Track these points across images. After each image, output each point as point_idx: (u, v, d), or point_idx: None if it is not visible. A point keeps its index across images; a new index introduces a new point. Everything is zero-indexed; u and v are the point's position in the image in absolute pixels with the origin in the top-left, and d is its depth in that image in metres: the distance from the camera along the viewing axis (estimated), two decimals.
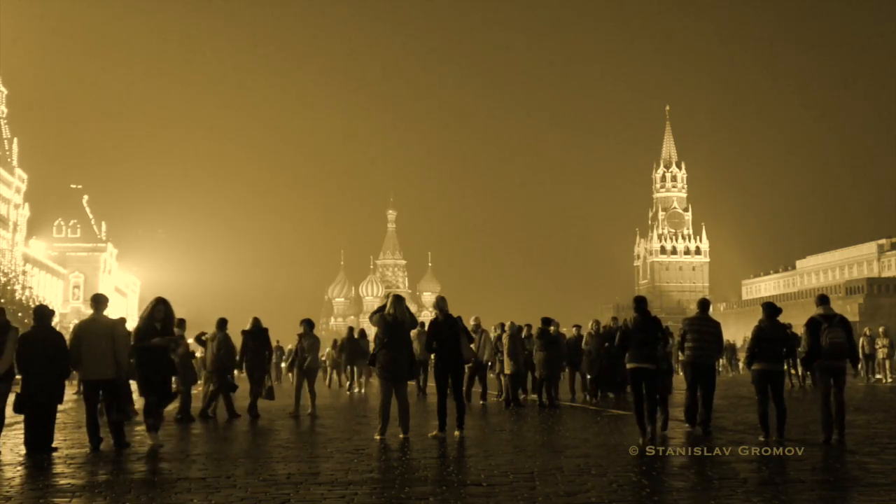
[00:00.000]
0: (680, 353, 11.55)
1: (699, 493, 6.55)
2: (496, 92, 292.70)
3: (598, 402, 16.56)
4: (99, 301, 9.84)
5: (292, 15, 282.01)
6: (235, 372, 14.95)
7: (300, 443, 10.53)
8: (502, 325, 16.93)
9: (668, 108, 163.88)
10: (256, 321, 14.84)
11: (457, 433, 10.44)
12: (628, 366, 10.27)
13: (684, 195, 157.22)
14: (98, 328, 9.55)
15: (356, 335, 23.68)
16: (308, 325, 15.28)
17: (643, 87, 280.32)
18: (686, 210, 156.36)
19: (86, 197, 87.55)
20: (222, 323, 14.41)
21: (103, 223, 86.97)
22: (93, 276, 79.59)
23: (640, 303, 10.45)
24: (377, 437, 10.09)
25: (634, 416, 10.14)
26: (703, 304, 11.43)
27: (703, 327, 10.94)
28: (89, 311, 9.99)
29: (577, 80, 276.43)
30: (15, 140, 71.85)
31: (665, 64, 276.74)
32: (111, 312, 11.14)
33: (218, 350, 14.11)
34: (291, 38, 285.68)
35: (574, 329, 19.22)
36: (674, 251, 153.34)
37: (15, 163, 71.06)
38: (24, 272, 58.04)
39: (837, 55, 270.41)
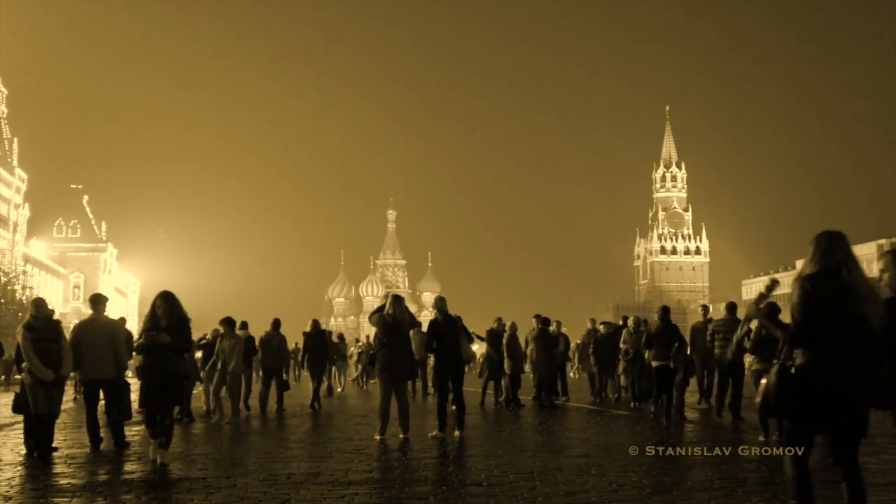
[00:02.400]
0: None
1: (699, 493, 6.54)
2: (496, 92, 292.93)
3: (640, 406, 14.90)
4: (98, 301, 9.81)
5: (292, 15, 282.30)
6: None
7: (300, 443, 10.53)
8: (501, 324, 16.88)
9: (668, 108, 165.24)
10: (315, 323, 16.74)
11: (457, 433, 10.45)
12: (653, 363, 12.41)
13: (684, 195, 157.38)
14: (98, 328, 9.53)
15: (335, 338, 24.13)
16: (228, 324, 14.13)
17: (643, 87, 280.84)
18: (686, 210, 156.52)
19: (86, 197, 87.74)
20: (278, 323, 15.66)
21: (103, 223, 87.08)
22: (93, 276, 79.63)
23: (665, 312, 12.53)
24: (377, 437, 10.09)
25: (654, 403, 12.60)
26: (731, 307, 12.80)
27: (731, 327, 12.25)
28: (89, 311, 9.97)
29: (578, 80, 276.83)
30: (15, 140, 71.94)
31: (665, 64, 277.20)
32: (111, 312, 11.12)
33: (279, 350, 15.32)
34: (291, 39, 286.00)
35: (602, 326, 17.80)
36: (674, 251, 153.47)
37: (15, 163, 71.12)
38: (24, 272, 58.17)
39: (837, 56, 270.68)
